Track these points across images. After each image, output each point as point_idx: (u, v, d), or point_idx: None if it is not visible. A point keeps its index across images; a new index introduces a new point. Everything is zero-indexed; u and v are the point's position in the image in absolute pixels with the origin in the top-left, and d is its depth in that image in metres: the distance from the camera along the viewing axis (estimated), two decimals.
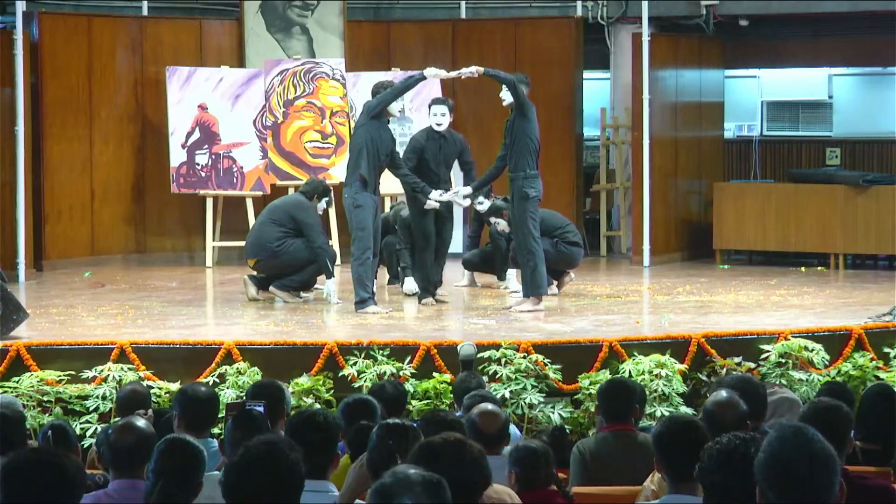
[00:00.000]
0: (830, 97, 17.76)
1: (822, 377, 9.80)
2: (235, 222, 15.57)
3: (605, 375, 9.43)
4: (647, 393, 9.14)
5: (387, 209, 13.91)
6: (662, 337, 10.13)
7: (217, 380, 9.58)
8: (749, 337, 10.24)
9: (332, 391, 9.54)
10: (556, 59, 16.55)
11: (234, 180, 15.58)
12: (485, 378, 9.06)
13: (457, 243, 13.92)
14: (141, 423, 5.57)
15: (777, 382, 9.54)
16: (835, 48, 17.34)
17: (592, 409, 9.29)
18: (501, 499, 5.39)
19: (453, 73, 12.23)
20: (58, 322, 11.22)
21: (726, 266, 15.72)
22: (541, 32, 16.68)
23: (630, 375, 9.45)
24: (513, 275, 13.02)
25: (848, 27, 16.94)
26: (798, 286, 13.64)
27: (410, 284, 12.81)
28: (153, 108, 15.93)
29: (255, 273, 12.58)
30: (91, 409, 9.47)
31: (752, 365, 9.93)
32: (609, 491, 6.33)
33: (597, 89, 17.94)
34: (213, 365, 9.68)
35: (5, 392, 9.27)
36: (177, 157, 15.48)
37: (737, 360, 9.92)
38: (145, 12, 16.41)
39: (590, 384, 9.51)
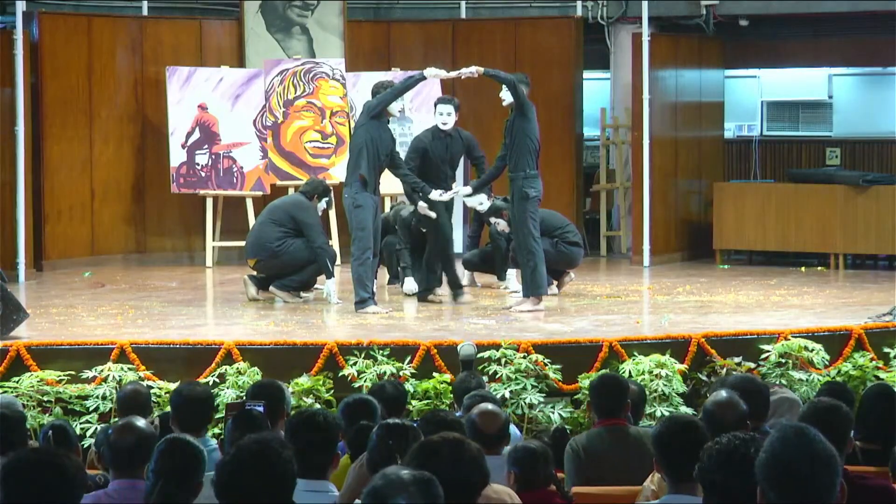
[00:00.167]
0: (830, 97, 17.76)
1: (822, 377, 9.81)
2: (235, 222, 15.57)
3: None
4: (647, 393, 9.13)
5: (387, 209, 13.92)
6: (662, 337, 10.13)
7: (217, 380, 9.59)
8: (749, 337, 10.24)
9: (332, 391, 9.55)
10: (556, 59, 16.55)
11: (234, 180, 15.58)
12: (485, 378, 9.06)
13: (457, 243, 13.92)
14: (141, 422, 5.57)
15: (777, 382, 9.54)
16: (835, 48, 17.34)
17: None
18: (501, 499, 5.39)
19: (453, 74, 12.24)
20: (58, 322, 11.23)
21: (726, 266, 15.72)
22: (541, 32, 16.69)
23: (630, 375, 9.45)
24: (513, 275, 13.03)
25: (848, 27, 16.94)
26: (798, 286, 13.64)
27: (410, 284, 12.81)
28: (153, 108, 15.93)
29: (255, 273, 12.59)
30: (91, 409, 9.48)
31: (752, 365, 9.93)
32: (609, 491, 6.32)
33: (597, 89, 17.94)
34: (213, 365, 9.69)
35: (5, 392, 9.27)
36: (177, 157, 15.48)
37: (737, 360, 9.93)
38: (145, 12, 16.41)
39: (590, 384, 9.50)
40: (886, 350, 10.31)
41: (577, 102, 16.69)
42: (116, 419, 8.50)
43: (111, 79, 15.93)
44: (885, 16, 15.64)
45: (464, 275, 13.74)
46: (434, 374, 9.61)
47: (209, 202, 15.44)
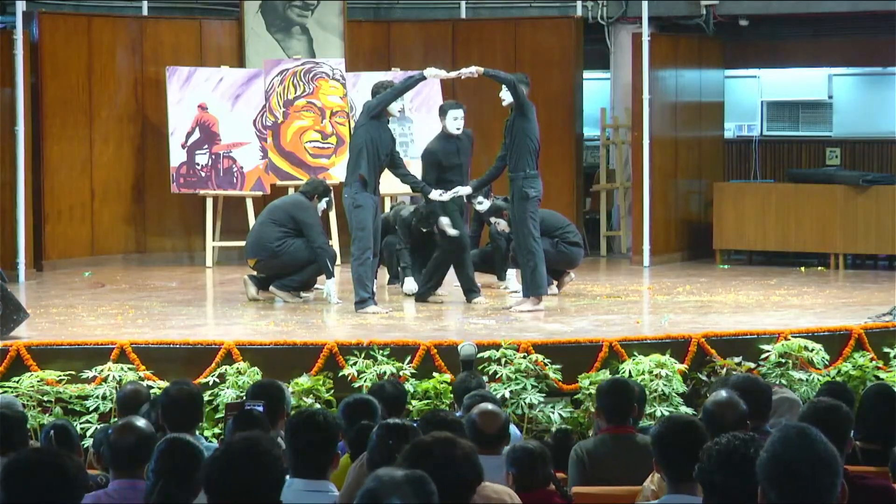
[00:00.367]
0: (830, 97, 17.76)
1: (822, 377, 9.81)
2: (235, 222, 15.57)
3: (605, 375, 9.43)
4: (647, 393, 9.13)
5: (387, 209, 13.92)
6: (662, 337, 10.13)
7: (217, 380, 9.59)
8: (749, 337, 10.24)
9: (332, 391, 9.55)
10: (556, 59, 16.55)
11: (234, 180, 15.58)
12: (485, 378, 9.05)
13: None
14: (141, 422, 5.57)
15: (777, 382, 9.54)
16: (835, 48, 17.34)
17: (592, 410, 9.28)
18: (501, 499, 5.39)
19: (453, 74, 12.24)
20: (58, 322, 11.23)
21: (726, 266, 15.72)
22: (541, 32, 16.69)
23: (630, 375, 9.45)
24: (513, 275, 13.02)
25: (848, 27, 16.95)
26: (798, 286, 13.64)
27: (410, 284, 12.81)
28: (153, 108, 15.93)
29: (255, 273, 12.59)
30: (91, 409, 9.48)
31: (752, 365, 9.93)
32: (608, 491, 6.33)
33: (597, 89, 17.94)
34: (213, 365, 9.69)
35: (5, 392, 9.28)
36: (177, 157, 15.48)
37: (737, 360, 9.93)
38: (145, 12, 16.41)
39: (590, 384, 9.51)
40: (886, 350, 10.32)
41: (577, 102, 16.70)
42: (116, 419, 8.51)
43: (111, 79, 15.93)
44: (885, 16, 15.64)
45: None
46: (434, 374, 9.61)
47: (209, 202, 15.44)
